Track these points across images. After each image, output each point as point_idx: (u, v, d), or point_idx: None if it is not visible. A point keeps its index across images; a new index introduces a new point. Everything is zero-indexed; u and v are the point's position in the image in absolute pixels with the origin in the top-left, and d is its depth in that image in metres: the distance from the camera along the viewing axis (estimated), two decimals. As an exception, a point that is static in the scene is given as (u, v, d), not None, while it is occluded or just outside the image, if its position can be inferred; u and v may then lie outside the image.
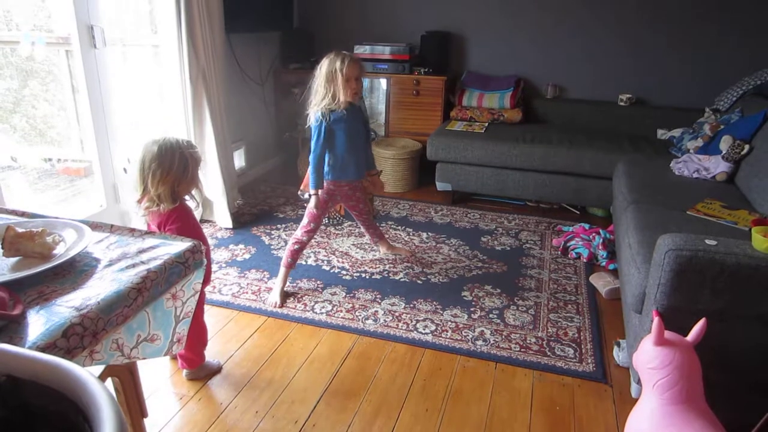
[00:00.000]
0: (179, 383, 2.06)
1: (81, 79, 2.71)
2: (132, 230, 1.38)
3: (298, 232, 2.69)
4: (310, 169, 2.57)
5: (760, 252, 1.64)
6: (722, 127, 3.32)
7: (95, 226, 1.38)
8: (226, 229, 3.36)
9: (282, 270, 2.66)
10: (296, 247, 2.67)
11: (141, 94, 3.23)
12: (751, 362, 1.72)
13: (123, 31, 3.00)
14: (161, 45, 3.11)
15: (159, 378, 2.08)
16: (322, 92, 2.49)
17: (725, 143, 3.09)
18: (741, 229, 2.38)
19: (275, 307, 2.56)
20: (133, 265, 1.20)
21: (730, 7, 3.85)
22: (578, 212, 3.89)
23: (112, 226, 1.38)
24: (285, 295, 2.65)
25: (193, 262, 1.28)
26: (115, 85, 2.93)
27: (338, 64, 2.45)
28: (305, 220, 2.67)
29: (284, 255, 2.68)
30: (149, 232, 1.38)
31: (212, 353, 2.22)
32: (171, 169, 1.81)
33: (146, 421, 1.55)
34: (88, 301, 1.05)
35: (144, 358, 1.18)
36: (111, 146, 2.92)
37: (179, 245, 1.30)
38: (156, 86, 3.22)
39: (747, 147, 2.97)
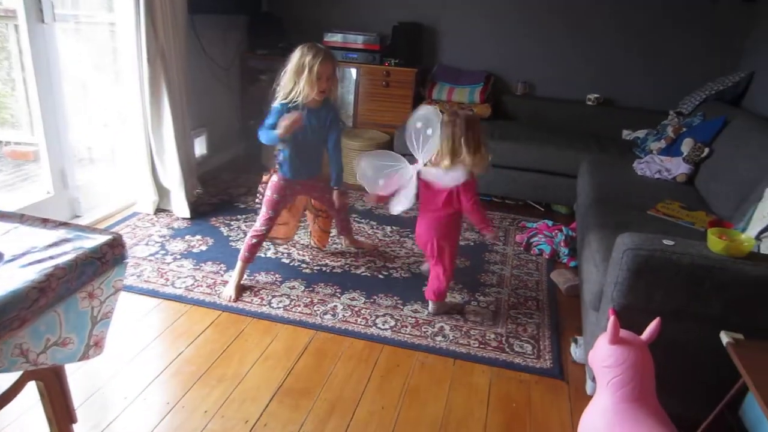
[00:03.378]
0: (120, 383, 1.95)
1: (28, 57, 2.57)
2: (45, 221, 1.26)
3: (258, 223, 2.60)
4: (271, 145, 2.51)
5: (715, 253, 1.64)
6: (684, 129, 3.37)
7: (1, 216, 1.26)
8: (183, 219, 3.25)
9: (239, 264, 2.58)
10: (254, 240, 2.58)
11: (95, 74, 3.10)
12: (702, 361, 1.74)
13: (75, 6, 2.86)
14: (117, 22, 2.96)
15: (99, 378, 1.96)
16: (289, 86, 2.38)
17: (686, 146, 3.13)
18: (698, 230, 2.41)
19: (230, 301, 2.49)
20: (39, 261, 1.08)
21: (697, 14, 3.90)
22: (542, 209, 3.91)
23: (22, 215, 1.26)
24: (241, 289, 2.57)
25: (112, 257, 1.17)
26: (67, 63, 2.80)
27: (309, 58, 2.33)
28: (263, 209, 2.59)
29: (242, 248, 2.60)
30: (64, 224, 1.27)
31: (160, 351, 2.14)
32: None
33: (84, 426, 1.44)
34: None
35: (53, 365, 1.07)
36: (60, 129, 2.79)
37: (96, 238, 1.18)
38: (111, 66, 3.08)
39: (707, 150, 3.01)
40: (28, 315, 0.99)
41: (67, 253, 1.12)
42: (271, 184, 2.58)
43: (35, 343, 1.03)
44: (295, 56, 2.36)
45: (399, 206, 2.32)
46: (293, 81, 2.37)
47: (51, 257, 1.10)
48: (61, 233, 1.20)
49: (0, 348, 0.95)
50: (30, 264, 1.07)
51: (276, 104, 2.43)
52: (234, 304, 2.46)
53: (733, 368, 1.47)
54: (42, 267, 1.06)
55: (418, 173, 2.30)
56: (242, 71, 4.47)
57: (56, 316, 1.06)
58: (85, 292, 1.12)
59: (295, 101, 2.39)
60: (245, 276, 2.64)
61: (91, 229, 1.23)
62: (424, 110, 2.28)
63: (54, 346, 1.07)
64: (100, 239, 1.19)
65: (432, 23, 4.42)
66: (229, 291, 2.52)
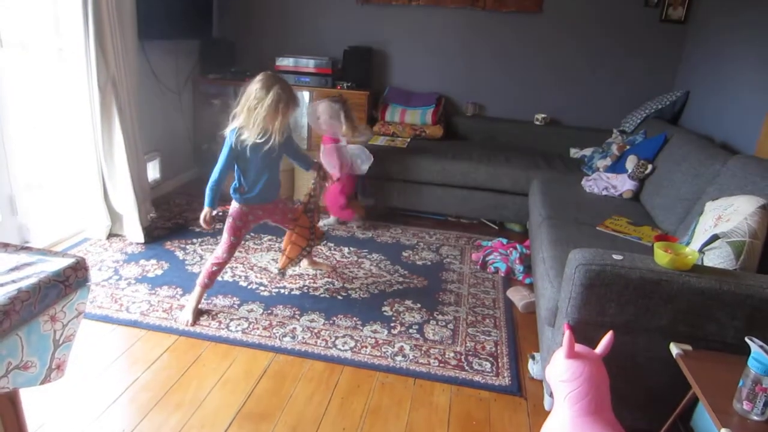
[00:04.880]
0: (75, 411, 1.90)
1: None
2: (5, 245, 1.24)
3: (219, 250, 2.53)
4: (209, 186, 2.49)
5: (661, 266, 1.72)
6: (628, 147, 3.51)
7: None
8: (138, 243, 3.18)
9: (197, 289, 2.53)
10: (215, 268, 2.53)
11: (42, 100, 3.01)
12: (654, 372, 1.80)
13: (23, 33, 2.79)
14: (66, 49, 2.91)
15: (50, 406, 1.90)
16: (244, 118, 2.33)
17: (631, 162, 3.26)
18: (645, 244, 2.50)
19: (187, 325, 2.44)
20: (1, 285, 1.07)
21: (635, 36, 4.11)
22: (496, 227, 3.98)
23: None
24: (198, 313, 2.53)
25: (75, 281, 1.16)
26: (13, 90, 2.72)
27: (283, 105, 2.30)
28: (225, 236, 2.53)
29: (201, 274, 2.55)
30: (25, 248, 1.25)
31: (116, 377, 2.08)
32: None
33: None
34: None
35: (15, 388, 1.05)
36: (7, 155, 2.70)
37: (59, 262, 1.17)
38: (60, 93, 3.00)
39: (650, 167, 3.15)
40: None
41: (29, 277, 1.11)
42: (231, 210, 2.55)
43: None
44: (268, 97, 2.29)
45: (365, 164, 3.50)
46: (251, 116, 2.31)
47: (13, 281, 1.09)
48: (22, 257, 1.19)
49: None
50: None
51: (228, 132, 2.40)
52: (192, 329, 2.41)
53: (684, 379, 1.53)
54: (4, 290, 1.05)
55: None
56: (194, 95, 4.43)
57: (18, 340, 1.05)
58: (47, 315, 1.11)
59: (249, 138, 2.37)
60: (203, 299, 2.59)
61: (53, 252, 1.21)
62: (324, 105, 3.43)
63: (15, 370, 1.05)
64: (62, 262, 1.18)
65: (382, 47, 4.50)
66: (186, 315, 2.48)
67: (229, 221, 2.54)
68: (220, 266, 2.55)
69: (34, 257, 1.19)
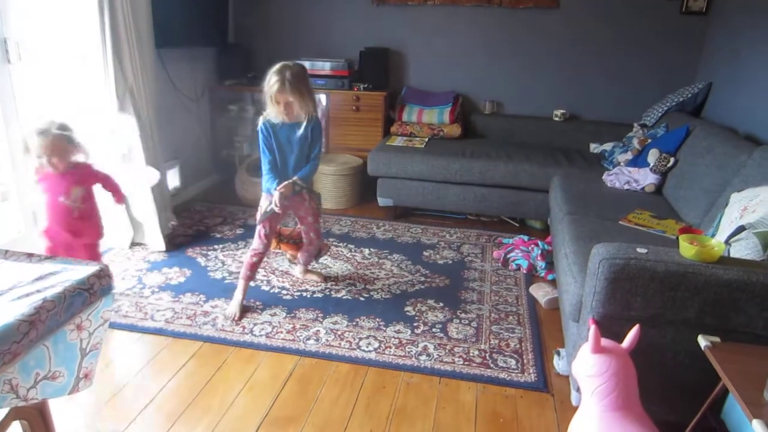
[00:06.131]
0: (103, 420, 1.91)
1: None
2: (30, 255, 1.25)
3: (255, 242, 2.62)
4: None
5: (687, 259, 1.69)
6: (650, 141, 3.47)
7: None
8: (159, 252, 3.22)
9: (240, 282, 2.63)
10: (254, 259, 2.63)
11: (63, 112, 3.06)
12: (682, 365, 1.77)
13: (42, 45, 2.84)
14: (84, 60, 2.95)
15: (81, 416, 1.92)
16: (266, 106, 2.48)
17: (653, 156, 3.22)
18: (669, 237, 2.47)
19: (234, 319, 2.54)
20: (27, 295, 1.07)
21: (655, 29, 4.05)
22: (517, 224, 3.96)
23: (6, 251, 1.26)
24: (244, 309, 2.61)
25: (99, 288, 1.17)
26: (34, 102, 2.77)
27: (269, 85, 2.40)
28: (258, 227, 2.60)
29: (243, 267, 2.64)
30: (49, 257, 1.27)
31: (143, 385, 2.10)
32: None
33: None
34: None
35: (44, 399, 1.06)
36: (28, 166, 2.74)
37: (83, 270, 1.18)
38: (79, 104, 3.05)
39: (672, 159, 3.10)
40: (18, 349, 0.98)
41: (54, 286, 1.11)
42: (261, 201, 2.62)
43: (24, 378, 1.02)
44: (267, 77, 2.42)
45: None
46: (266, 99, 2.45)
47: (38, 290, 1.10)
48: (46, 266, 1.20)
49: None
50: (18, 298, 1.07)
51: (260, 124, 2.51)
52: (216, 334, 2.44)
53: (713, 371, 1.50)
54: (30, 300, 1.06)
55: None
56: (211, 102, 4.48)
57: (45, 350, 1.05)
58: (73, 324, 1.11)
59: (271, 120, 2.48)
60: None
61: (76, 261, 1.22)
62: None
63: (44, 380, 1.06)
64: (86, 271, 1.18)
65: (398, 47, 4.50)
66: (233, 309, 2.58)
67: (259, 212, 2.61)
68: (259, 257, 2.64)
69: (59, 266, 1.20)
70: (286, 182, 2.50)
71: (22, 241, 2.76)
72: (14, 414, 1.22)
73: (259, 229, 2.61)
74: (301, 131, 2.51)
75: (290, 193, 2.52)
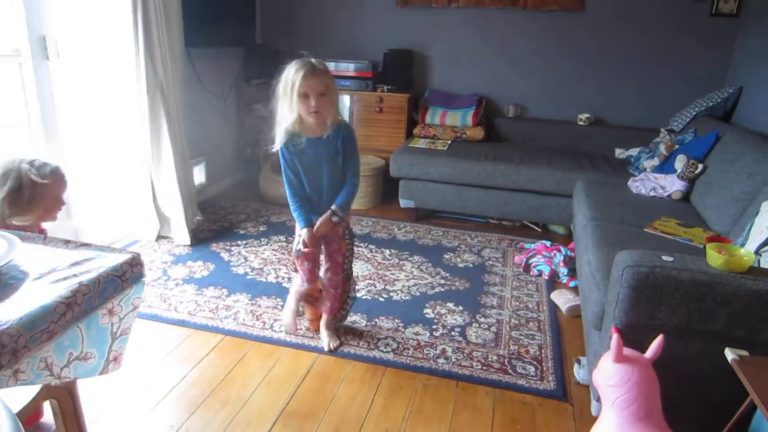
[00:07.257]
0: (128, 405, 1.96)
1: (32, 92, 2.61)
2: (67, 242, 1.30)
3: (299, 280, 2.35)
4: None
5: (715, 268, 1.66)
6: (677, 146, 3.41)
7: (26, 238, 1.30)
8: (184, 245, 3.27)
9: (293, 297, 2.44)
10: (302, 290, 2.38)
11: (96, 107, 3.14)
12: (707, 378, 1.74)
13: (78, 43, 2.91)
14: (117, 57, 3.02)
15: (106, 399, 1.98)
16: (279, 109, 2.09)
17: (680, 162, 3.16)
18: (696, 246, 2.42)
19: (289, 331, 2.45)
20: (64, 278, 1.12)
21: (683, 32, 3.98)
22: (540, 229, 3.93)
23: (45, 237, 1.31)
24: (296, 321, 2.46)
25: (131, 276, 1.21)
26: (70, 97, 2.84)
27: (292, 73, 2.00)
28: (298, 264, 2.32)
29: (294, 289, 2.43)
30: (85, 244, 1.31)
31: (166, 374, 2.14)
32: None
33: (90, 447, 1.48)
34: (9, 316, 0.98)
35: (76, 378, 1.11)
36: (64, 160, 2.81)
37: (116, 258, 1.23)
38: (112, 99, 3.12)
39: (701, 166, 3.04)
40: (56, 329, 1.03)
41: (89, 272, 1.16)
42: (297, 230, 2.27)
43: (59, 357, 1.07)
44: (282, 76, 2.06)
45: None
46: (283, 102, 2.06)
47: (75, 275, 1.14)
48: (82, 253, 1.25)
49: (27, 361, 0.99)
50: (56, 281, 1.12)
51: (278, 147, 2.13)
52: (236, 328, 2.46)
53: (740, 386, 1.47)
54: (67, 284, 1.10)
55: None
56: (238, 101, 4.53)
57: (78, 332, 1.10)
58: (105, 309, 1.17)
59: (293, 132, 2.10)
60: (248, 300, 2.65)
61: (110, 248, 1.27)
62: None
63: (76, 361, 1.11)
64: (120, 258, 1.23)
65: (422, 49, 4.50)
66: (286, 320, 2.44)
67: (293, 248, 2.31)
68: (306, 291, 2.40)
69: (94, 253, 1.25)
70: (322, 219, 2.17)
71: (55, 232, 2.80)
72: (46, 393, 1.28)
73: (297, 265, 2.34)
74: (329, 144, 2.13)
75: (327, 231, 2.20)
